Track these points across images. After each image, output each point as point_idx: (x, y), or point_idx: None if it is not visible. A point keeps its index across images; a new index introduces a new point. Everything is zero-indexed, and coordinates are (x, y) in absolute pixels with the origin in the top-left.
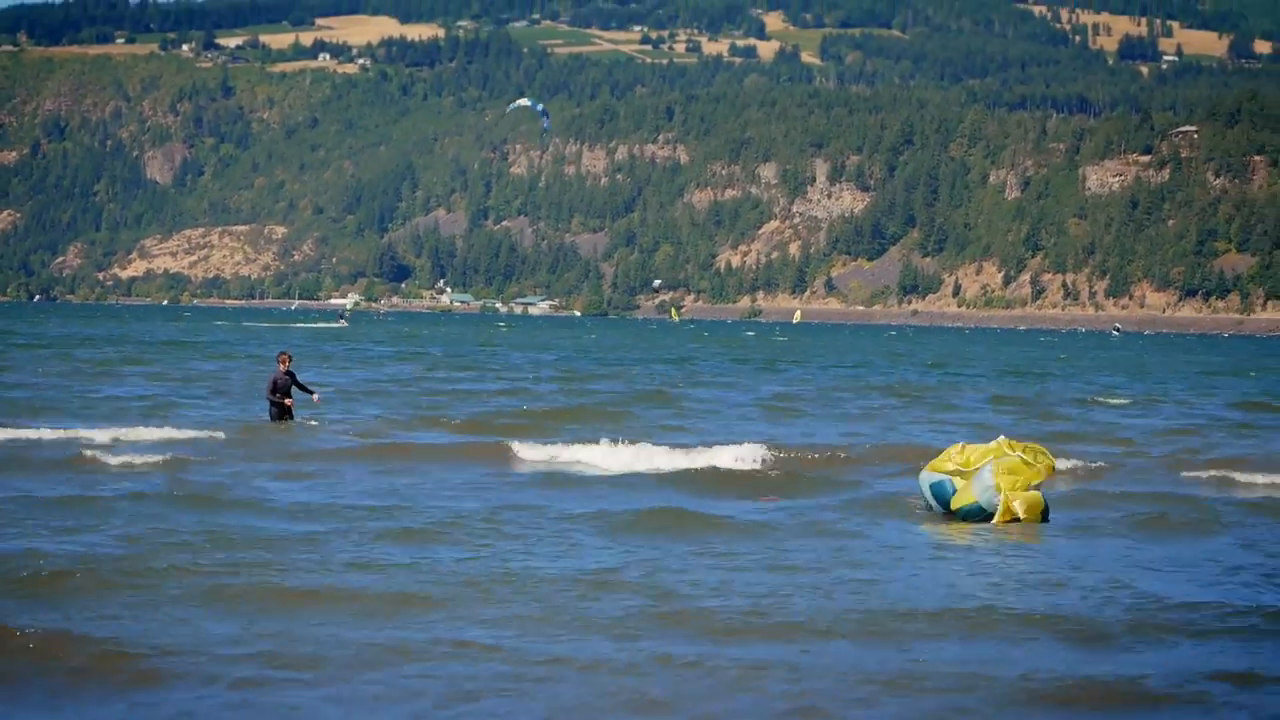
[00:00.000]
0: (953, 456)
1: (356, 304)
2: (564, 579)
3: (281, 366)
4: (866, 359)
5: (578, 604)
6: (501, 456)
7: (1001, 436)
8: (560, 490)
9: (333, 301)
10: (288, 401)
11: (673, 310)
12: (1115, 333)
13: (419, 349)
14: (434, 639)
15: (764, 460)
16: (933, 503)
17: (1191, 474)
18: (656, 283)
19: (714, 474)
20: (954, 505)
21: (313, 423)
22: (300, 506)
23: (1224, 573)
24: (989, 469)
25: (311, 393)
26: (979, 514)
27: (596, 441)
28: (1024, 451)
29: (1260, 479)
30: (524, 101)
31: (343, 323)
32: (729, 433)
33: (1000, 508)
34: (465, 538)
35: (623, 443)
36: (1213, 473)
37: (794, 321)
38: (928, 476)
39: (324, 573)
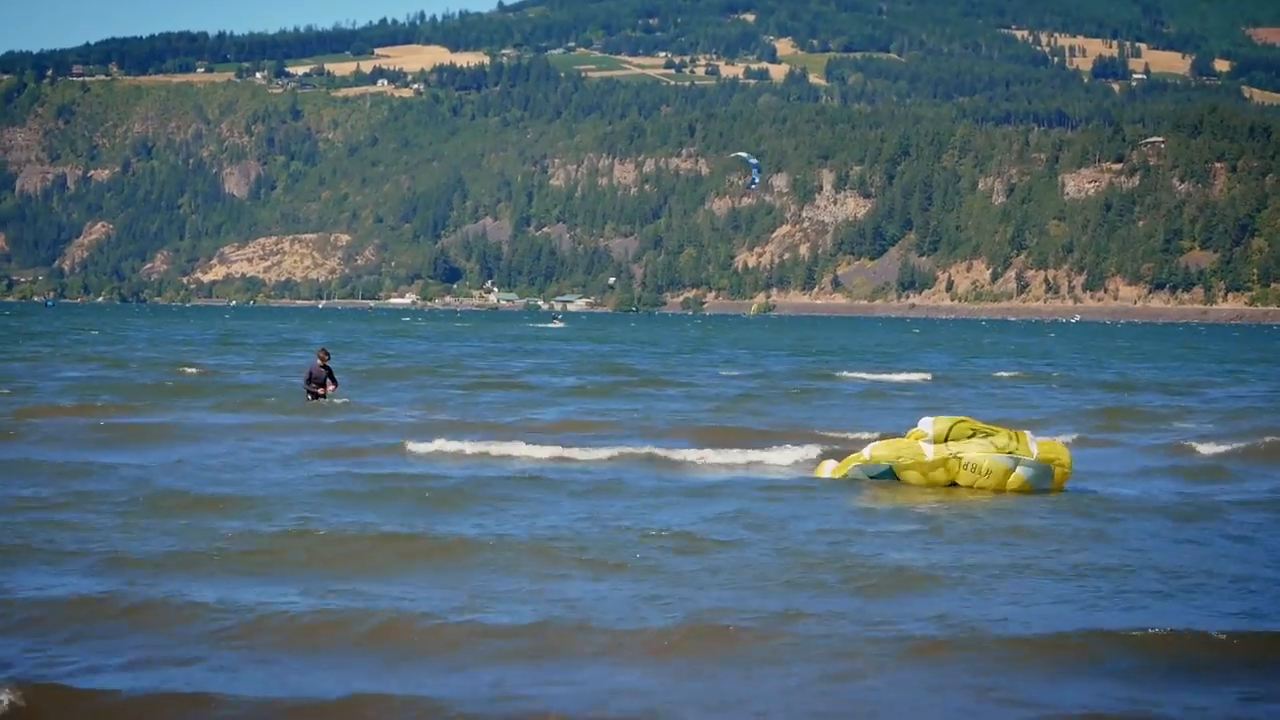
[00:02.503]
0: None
1: (413, 302)
2: None
3: (319, 361)
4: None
5: None
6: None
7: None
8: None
9: (393, 301)
10: (320, 390)
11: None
12: (1075, 319)
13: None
14: None
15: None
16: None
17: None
18: (612, 280)
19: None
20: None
21: (339, 400)
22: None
23: None
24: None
25: (335, 384)
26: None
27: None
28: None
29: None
30: (743, 154)
31: (559, 323)
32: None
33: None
34: None
35: None
36: None
37: (751, 314)
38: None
39: None
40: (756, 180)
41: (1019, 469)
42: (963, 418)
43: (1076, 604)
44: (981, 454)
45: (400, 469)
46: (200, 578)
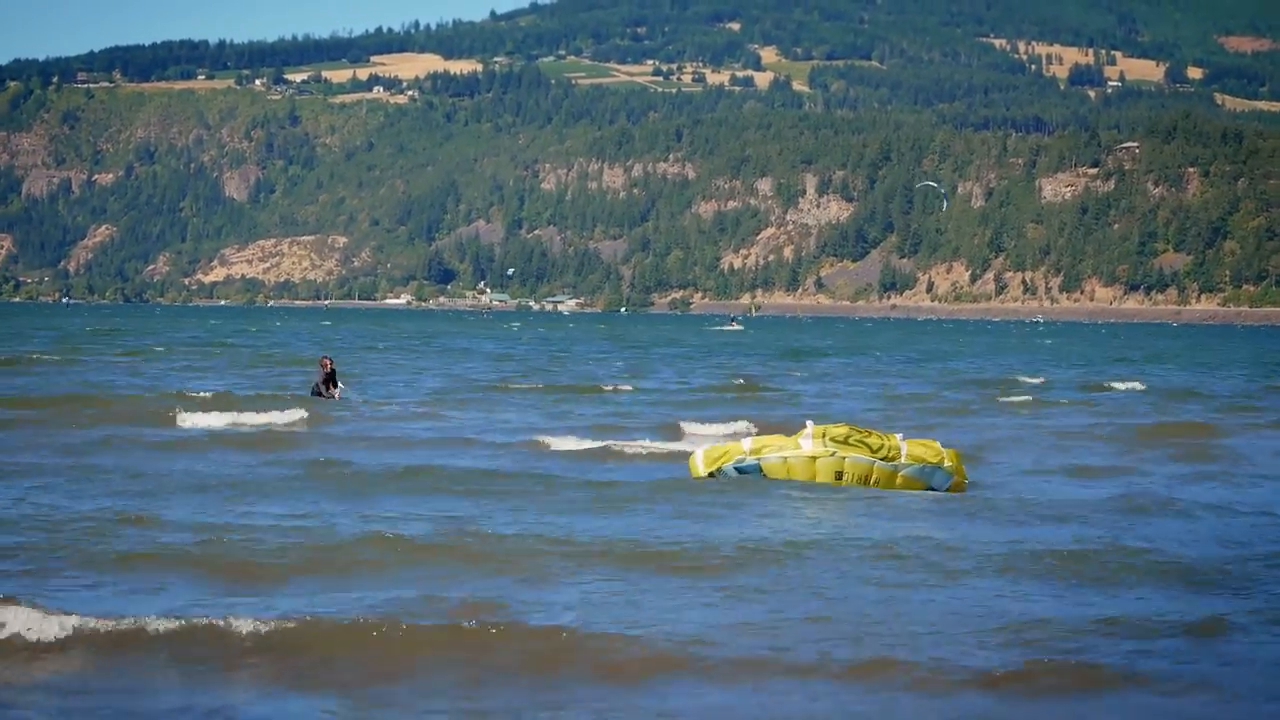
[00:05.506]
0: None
1: (408, 303)
2: None
3: (324, 370)
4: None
5: None
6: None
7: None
8: None
9: (388, 301)
10: (326, 390)
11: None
12: (1038, 321)
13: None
14: None
15: None
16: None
17: None
18: (510, 270)
19: None
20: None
21: (338, 393)
22: None
23: None
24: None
25: (337, 385)
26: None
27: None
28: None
29: None
30: (931, 183)
31: (736, 326)
32: None
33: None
34: None
35: None
36: None
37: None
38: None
39: None
40: (947, 204)
41: (902, 472)
42: (842, 424)
43: None
44: (865, 462)
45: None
46: None
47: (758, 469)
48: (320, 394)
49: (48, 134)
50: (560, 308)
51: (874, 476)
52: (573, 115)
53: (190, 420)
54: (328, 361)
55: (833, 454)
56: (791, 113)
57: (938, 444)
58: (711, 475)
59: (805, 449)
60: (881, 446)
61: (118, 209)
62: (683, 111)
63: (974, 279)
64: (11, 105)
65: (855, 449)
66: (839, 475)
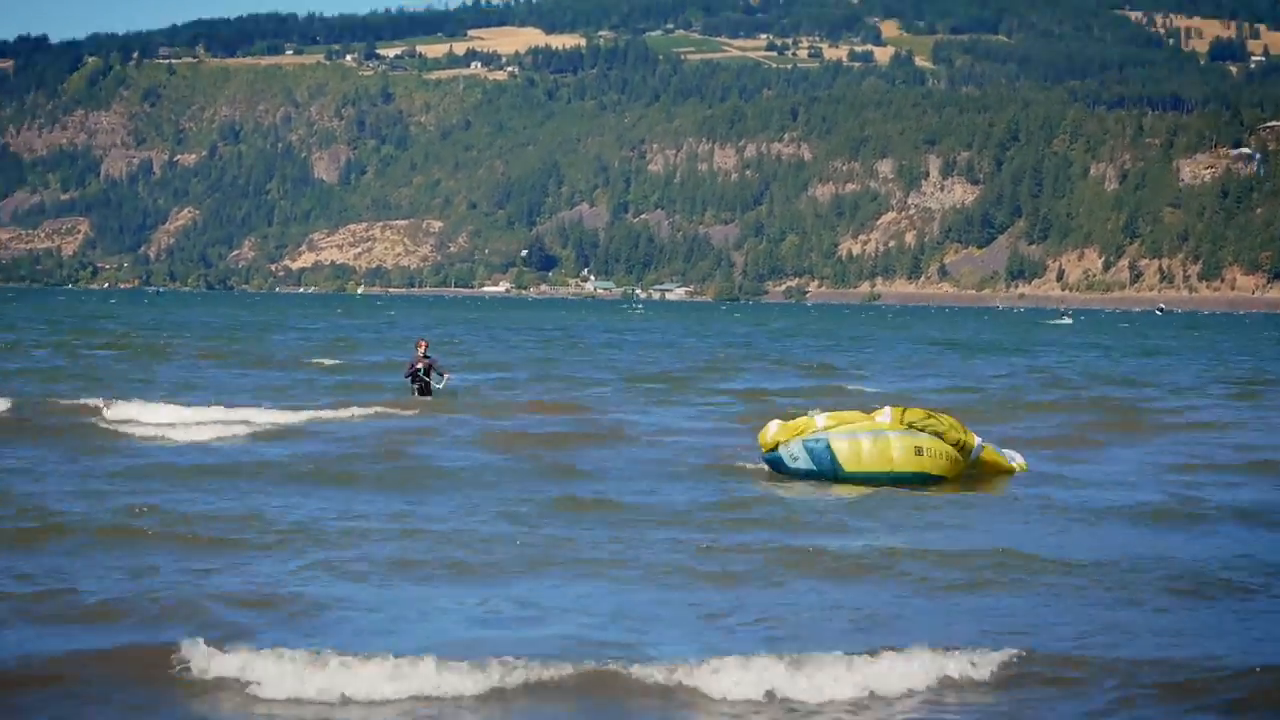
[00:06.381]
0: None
1: (507, 291)
2: None
3: (419, 351)
4: None
5: None
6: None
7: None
8: None
9: (486, 289)
10: (424, 381)
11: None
12: (1159, 312)
13: None
14: None
15: None
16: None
17: None
18: (523, 252)
19: None
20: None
21: (441, 385)
22: None
23: None
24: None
25: (443, 374)
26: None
27: None
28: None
29: None
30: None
31: (1067, 320)
32: None
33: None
34: None
35: None
36: None
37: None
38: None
39: None
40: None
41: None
42: (919, 408)
43: None
44: (941, 445)
45: None
46: None
47: (826, 447)
48: (422, 386)
49: (127, 112)
50: (668, 296)
51: (955, 459)
52: (682, 93)
53: None
54: (423, 343)
55: (908, 427)
56: (914, 90)
57: (1022, 459)
58: (774, 449)
59: (883, 421)
60: (958, 440)
61: (201, 191)
62: (798, 89)
63: (1107, 266)
64: (90, 82)
65: (930, 436)
66: (919, 451)
